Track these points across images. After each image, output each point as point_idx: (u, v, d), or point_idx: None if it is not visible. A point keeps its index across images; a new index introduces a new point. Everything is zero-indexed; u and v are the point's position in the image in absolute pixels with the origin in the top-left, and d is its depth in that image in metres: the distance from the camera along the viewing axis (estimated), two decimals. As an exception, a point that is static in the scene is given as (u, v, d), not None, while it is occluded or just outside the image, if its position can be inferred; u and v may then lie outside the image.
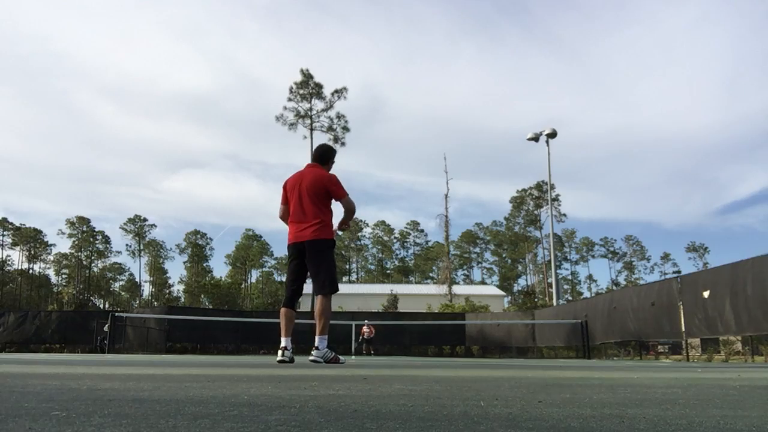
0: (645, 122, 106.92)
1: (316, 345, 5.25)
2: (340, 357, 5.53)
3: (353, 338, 21.48)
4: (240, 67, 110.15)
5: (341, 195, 5.41)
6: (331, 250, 5.43)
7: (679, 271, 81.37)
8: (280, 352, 5.38)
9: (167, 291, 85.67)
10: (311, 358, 5.28)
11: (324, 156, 5.67)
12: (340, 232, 6.56)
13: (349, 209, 5.48)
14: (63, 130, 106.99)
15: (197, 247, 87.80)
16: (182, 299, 77.12)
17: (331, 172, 5.65)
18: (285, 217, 5.62)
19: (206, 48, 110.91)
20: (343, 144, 39.82)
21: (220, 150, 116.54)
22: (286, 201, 5.59)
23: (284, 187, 5.62)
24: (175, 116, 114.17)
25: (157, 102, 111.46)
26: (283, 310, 5.53)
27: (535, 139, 28.76)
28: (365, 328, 22.90)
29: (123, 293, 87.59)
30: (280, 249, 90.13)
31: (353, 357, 15.47)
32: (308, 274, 5.50)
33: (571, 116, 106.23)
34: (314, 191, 5.37)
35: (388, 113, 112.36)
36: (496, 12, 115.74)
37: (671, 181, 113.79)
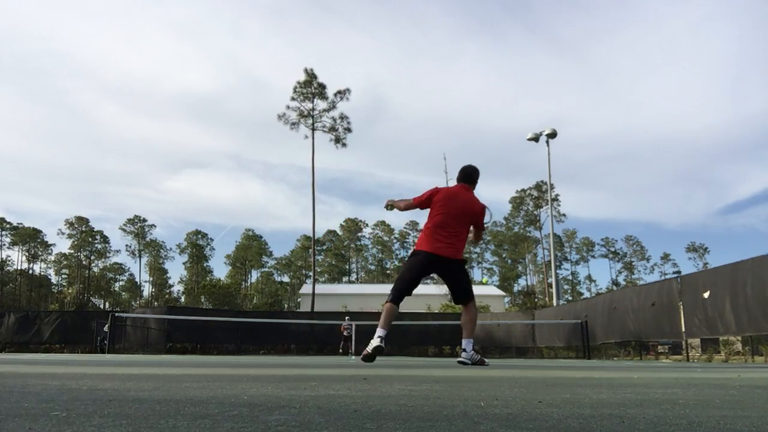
0: (647, 122, 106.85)
1: (463, 347, 5.58)
2: (485, 359, 5.88)
3: (353, 339, 21.45)
4: (243, 66, 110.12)
5: (484, 227, 5.88)
6: None
7: (679, 272, 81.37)
8: (378, 340, 5.34)
9: (167, 291, 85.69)
10: (460, 359, 5.58)
11: (473, 177, 5.96)
12: None
13: (481, 238, 6.08)
14: (65, 130, 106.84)
15: (198, 248, 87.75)
16: (182, 299, 77.16)
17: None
18: (410, 208, 5.93)
19: (209, 47, 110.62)
20: (344, 145, 40.03)
21: (222, 150, 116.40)
22: (427, 205, 5.77)
23: (434, 194, 5.77)
24: (178, 116, 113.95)
25: (159, 102, 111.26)
26: (391, 305, 5.56)
27: (536, 139, 28.76)
28: (345, 325, 22.76)
29: (123, 293, 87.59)
30: (280, 249, 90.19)
31: (353, 357, 15.48)
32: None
33: (573, 116, 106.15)
34: (471, 217, 5.74)
35: (390, 113, 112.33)
36: (498, 11, 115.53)
37: (673, 181, 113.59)
